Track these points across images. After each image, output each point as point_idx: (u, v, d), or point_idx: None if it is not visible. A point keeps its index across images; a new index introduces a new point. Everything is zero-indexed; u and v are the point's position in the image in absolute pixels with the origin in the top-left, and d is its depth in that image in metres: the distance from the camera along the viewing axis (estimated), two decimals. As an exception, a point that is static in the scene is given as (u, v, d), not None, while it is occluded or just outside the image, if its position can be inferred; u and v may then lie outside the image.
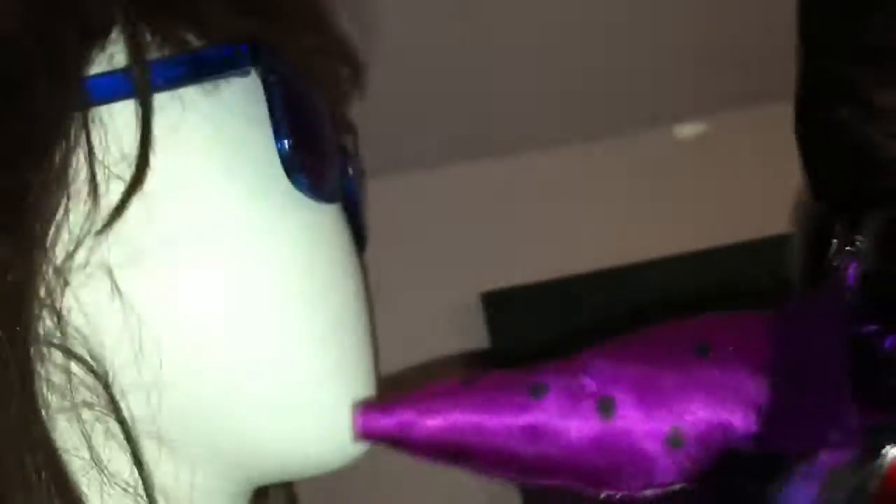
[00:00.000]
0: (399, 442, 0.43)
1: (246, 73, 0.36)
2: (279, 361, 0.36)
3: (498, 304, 1.64)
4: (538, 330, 1.42)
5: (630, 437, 0.42)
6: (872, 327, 0.39)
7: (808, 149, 0.44)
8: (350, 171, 0.42)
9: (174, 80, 0.34)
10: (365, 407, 0.43)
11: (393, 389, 0.44)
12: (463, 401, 0.43)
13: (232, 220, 0.35)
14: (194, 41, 0.35)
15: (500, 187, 1.74)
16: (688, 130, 1.73)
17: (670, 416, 0.42)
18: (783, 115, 1.57)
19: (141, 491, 0.33)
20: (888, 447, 0.38)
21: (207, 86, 0.35)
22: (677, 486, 0.42)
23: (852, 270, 0.41)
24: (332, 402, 0.38)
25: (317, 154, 0.37)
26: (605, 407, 0.42)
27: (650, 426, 0.42)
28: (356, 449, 0.40)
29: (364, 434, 0.43)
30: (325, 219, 0.38)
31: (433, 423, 0.42)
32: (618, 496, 0.43)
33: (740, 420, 0.41)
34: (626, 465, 0.42)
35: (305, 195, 0.36)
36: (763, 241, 1.57)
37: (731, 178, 1.69)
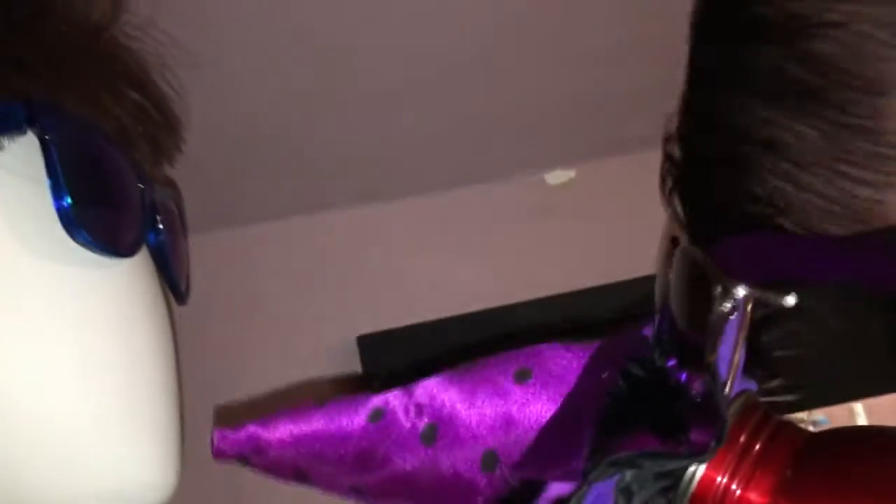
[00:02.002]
0: (249, 457, 0.45)
1: (22, 132, 0.35)
2: (53, 417, 0.35)
3: (372, 346, 1.65)
4: (411, 369, 1.43)
5: (450, 460, 0.44)
6: (672, 362, 0.42)
7: (682, 170, 0.46)
8: (161, 226, 0.41)
9: None
10: (219, 427, 0.45)
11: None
12: (306, 417, 0.45)
13: (7, 276, 0.35)
14: None
15: (377, 232, 1.75)
16: (558, 177, 1.76)
17: (486, 439, 0.43)
18: (647, 162, 1.60)
19: None
20: (692, 468, 0.40)
21: None
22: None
23: (666, 306, 0.43)
24: (115, 456, 0.37)
25: (105, 209, 0.37)
26: (430, 431, 0.44)
27: (469, 449, 0.44)
28: (155, 496, 0.38)
29: (219, 452, 0.45)
30: (120, 271, 0.38)
31: (279, 435, 0.44)
32: None
33: None
34: (449, 488, 0.44)
35: (90, 250, 0.36)
36: (627, 282, 1.62)
37: (597, 223, 1.73)
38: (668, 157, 0.46)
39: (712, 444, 0.39)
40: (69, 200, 0.35)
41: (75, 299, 0.36)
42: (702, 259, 0.39)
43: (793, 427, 0.42)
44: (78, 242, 0.35)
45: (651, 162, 1.73)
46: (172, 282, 0.42)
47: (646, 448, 0.39)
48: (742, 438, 0.40)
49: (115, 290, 0.38)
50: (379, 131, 1.51)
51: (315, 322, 1.67)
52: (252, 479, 1.54)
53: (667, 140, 0.46)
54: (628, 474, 0.40)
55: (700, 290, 0.38)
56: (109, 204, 0.38)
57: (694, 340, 0.40)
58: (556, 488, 0.40)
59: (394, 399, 0.46)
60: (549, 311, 1.64)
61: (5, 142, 0.35)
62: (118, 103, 0.40)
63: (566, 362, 0.44)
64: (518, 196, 1.76)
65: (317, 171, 1.61)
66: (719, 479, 0.40)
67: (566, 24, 1.33)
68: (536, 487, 0.41)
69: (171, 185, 0.45)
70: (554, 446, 0.41)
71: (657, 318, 0.43)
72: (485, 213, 1.76)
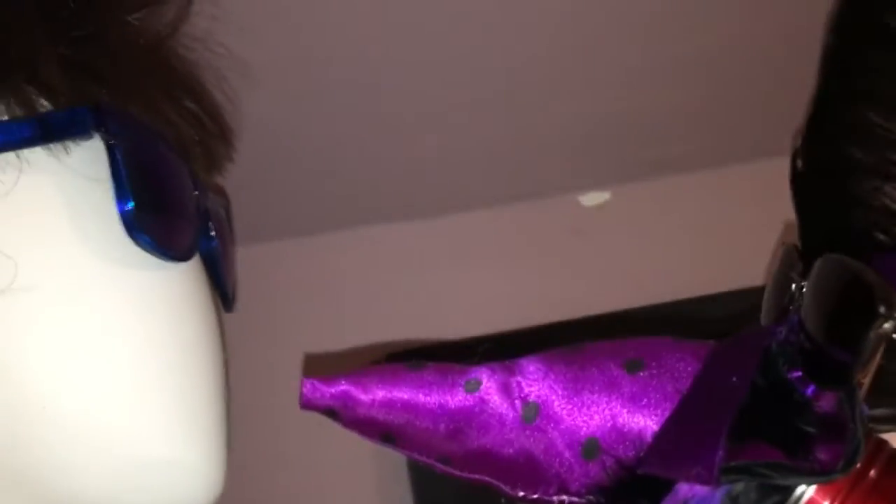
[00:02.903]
0: (338, 413, 0.44)
1: (90, 136, 0.36)
2: (107, 421, 0.36)
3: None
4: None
5: (549, 441, 0.43)
6: (798, 373, 0.40)
7: (803, 189, 0.44)
8: (213, 233, 0.42)
9: (15, 142, 0.35)
10: (310, 378, 0.44)
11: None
12: (402, 382, 0.44)
13: (70, 277, 0.35)
14: (45, 105, 0.36)
15: (411, 249, 1.74)
16: (592, 198, 1.76)
17: (589, 426, 0.42)
18: (682, 185, 1.59)
19: None
20: (801, 487, 0.39)
21: (55, 147, 0.36)
22: (589, 497, 0.42)
23: (793, 315, 0.41)
24: (168, 459, 0.38)
25: (164, 214, 0.38)
26: (530, 409, 0.43)
27: (569, 433, 0.42)
28: (205, 496, 0.39)
29: (307, 403, 0.44)
30: (175, 276, 0.39)
31: (372, 397, 0.43)
32: (532, 497, 0.43)
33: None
34: (543, 468, 0.43)
35: (150, 253, 0.37)
36: (658, 305, 1.61)
37: (631, 245, 1.72)
38: (795, 169, 0.45)
39: (840, 465, 0.37)
40: (132, 204, 0.36)
41: (132, 300, 0.37)
42: (864, 273, 0.37)
43: None
44: (138, 245, 0.36)
45: (686, 185, 1.72)
46: (222, 288, 0.43)
47: (769, 459, 0.38)
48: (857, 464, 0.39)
49: (170, 292, 0.38)
50: (416, 150, 1.52)
51: (347, 336, 1.66)
52: (288, 479, 1.51)
53: (795, 154, 0.45)
54: (739, 485, 0.39)
55: (850, 304, 0.37)
56: (168, 209, 0.39)
57: (833, 355, 0.38)
58: (685, 490, 0.39)
59: (493, 373, 0.45)
60: (579, 333, 1.63)
61: (72, 145, 0.36)
62: (176, 111, 0.41)
63: (679, 358, 0.43)
64: (552, 217, 1.75)
65: (355, 187, 1.61)
66: (826, 502, 0.39)
67: (602, 46, 1.32)
68: (649, 485, 0.40)
69: (221, 193, 0.46)
70: (685, 447, 0.39)
71: (783, 327, 0.42)
72: (518, 234, 1.74)
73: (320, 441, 1.62)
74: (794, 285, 0.44)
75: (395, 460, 1.61)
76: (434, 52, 1.27)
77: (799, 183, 0.44)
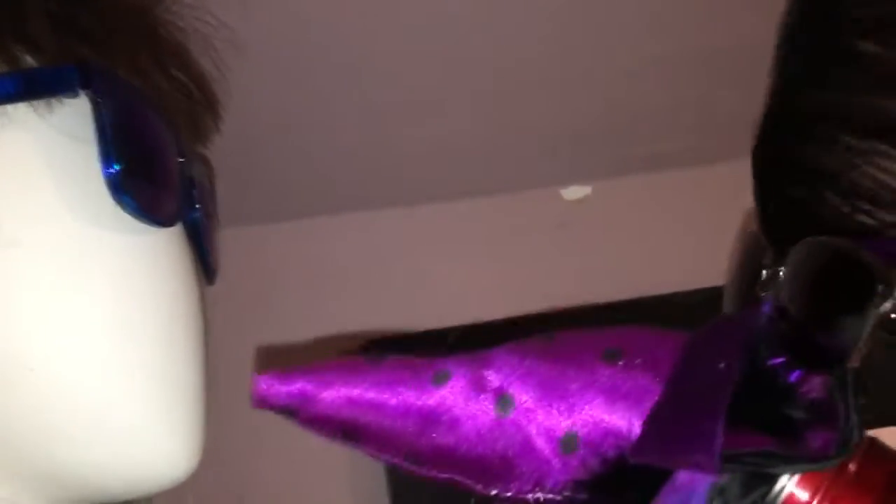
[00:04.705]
0: (295, 412, 0.41)
1: (75, 95, 0.35)
2: (86, 383, 0.35)
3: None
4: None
5: (524, 435, 0.40)
6: (780, 359, 0.38)
7: (762, 177, 0.43)
8: (197, 203, 0.41)
9: (1, 97, 0.34)
10: (265, 374, 0.41)
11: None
12: (364, 377, 0.41)
13: (51, 236, 0.34)
14: (30, 62, 0.35)
15: (392, 237, 1.74)
16: (574, 192, 1.76)
17: (567, 419, 0.40)
18: (662, 181, 1.59)
19: None
20: (784, 478, 0.37)
21: (39, 105, 0.35)
22: (566, 493, 0.40)
23: (770, 301, 0.40)
24: (145, 426, 0.37)
25: (149, 178, 0.37)
26: (503, 402, 0.40)
27: (546, 427, 0.40)
28: (180, 467, 0.38)
29: (261, 401, 0.41)
30: (157, 241, 0.38)
31: (331, 395, 0.41)
32: (506, 495, 0.40)
33: (636, 429, 0.39)
34: (518, 464, 0.40)
35: (132, 216, 0.36)
36: (637, 299, 1.60)
37: (611, 239, 1.72)
38: (757, 155, 0.44)
39: (833, 450, 0.35)
40: (117, 166, 0.35)
41: (114, 262, 0.36)
42: (858, 253, 0.35)
43: (887, 449, 0.39)
44: (122, 208, 0.35)
45: (666, 181, 1.72)
46: (205, 258, 0.42)
47: (761, 447, 0.36)
48: None
49: (153, 257, 0.37)
50: (401, 138, 1.51)
51: (328, 323, 1.64)
52: (262, 475, 1.49)
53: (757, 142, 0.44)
54: (724, 476, 0.38)
55: (843, 285, 0.35)
56: (153, 173, 0.38)
57: (823, 339, 0.36)
58: (684, 478, 0.37)
59: (461, 365, 0.42)
60: (559, 324, 1.61)
61: (57, 104, 0.35)
62: (164, 77, 0.40)
63: (657, 346, 0.41)
64: (534, 209, 1.75)
65: (338, 172, 1.60)
66: (807, 496, 0.37)
67: (586, 43, 1.32)
68: (636, 475, 0.38)
69: (206, 162, 0.44)
70: (682, 435, 0.37)
71: (763, 313, 0.40)
72: (500, 225, 1.74)
73: (294, 436, 1.61)
74: (765, 271, 0.42)
75: (370, 460, 1.59)
76: (425, 43, 1.26)
77: (761, 169, 0.43)
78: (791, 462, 0.36)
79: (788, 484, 0.37)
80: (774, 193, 0.42)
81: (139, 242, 0.37)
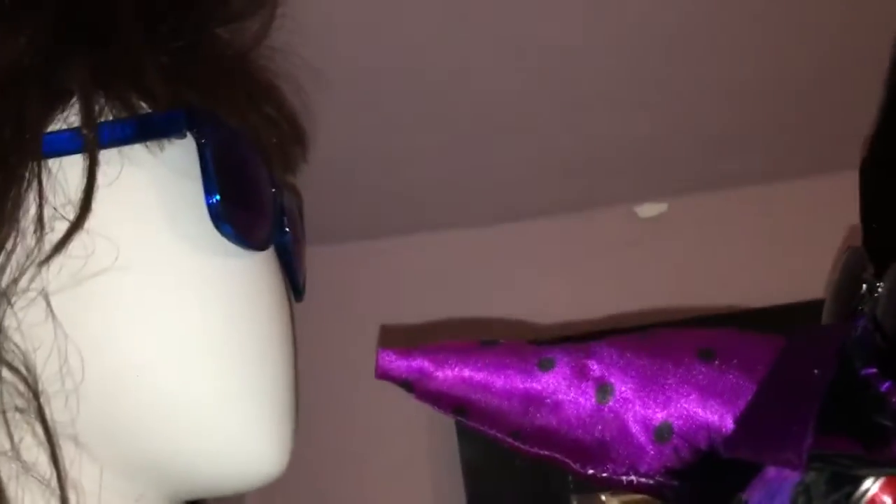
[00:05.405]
0: (412, 386, 0.44)
1: (183, 136, 0.39)
2: (188, 388, 0.38)
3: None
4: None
5: (621, 422, 0.42)
6: (872, 370, 0.40)
7: (868, 195, 0.44)
8: (287, 228, 0.45)
9: (119, 140, 0.38)
10: (386, 349, 0.45)
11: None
12: (476, 359, 0.44)
13: (161, 259, 0.38)
14: (144, 108, 0.39)
15: (472, 254, 1.79)
16: (649, 210, 1.76)
17: (662, 410, 0.42)
18: (736, 199, 1.59)
19: (55, 484, 0.36)
20: (868, 481, 0.39)
21: (151, 145, 0.39)
22: (658, 478, 0.42)
23: (867, 314, 0.41)
24: (239, 428, 0.40)
25: (246, 208, 0.41)
26: (604, 391, 0.43)
27: (642, 416, 0.42)
28: (270, 469, 0.41)
29: (383, 374, 0.45)
30: (252, 264, 0.41)
31: (446, 373, 0.44)
32: (602, 476, 0.43)
33: (728, 424, 0.41)
34: (614, 449, 0.43)
35: (231, 242, 0.39)
36: (711, 316, 1.60)
37: (685, 257, 1.72)
38: (864, 173, 0.45)
39: None
40: (217, 197, 0.38)
41: (216, 283, 0.39)
42: None
43: None
44: (222, 234, 0.39)
45: (740, 199, 1.72)
46: (293, 276, 0.46)
47: (849, 451, 0.38)
48: None
49: (249, 278, 0.41)
50: (481, 161, 1.53)
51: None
52: (345, 473, 1.52)
53: (864, 157, 0.45)
54: (810, 475, 0.39)
55: None
56: (249, 203, 0.41)
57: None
58: (773, 473, 0.39)
59: (567, 353, 0.45)
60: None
61: (167, 143, 0.39)
62: (258, 116, 0.44)
63: (750, 349, 0.43)
64: (609, 227, 1.75)
65: (421, 194, 1.65)
66: (891, 500, 0.39)
67: (664, 62, 1.33)
68: (728, 468, 0.40)
69: (296, 192, 0.48)
70: (774, 433, 0.39)
71: (858, 324, 0.42)
72: (575, 243, 1.76)
73: (377, 436, 1.65)
74: (864, 286, 0.44)
75: (449, 459, 1.63)
76: (500, 64, 1.29)
77: (868, 183, 0.44)
78: (876, 466, 0.38)
79: (873, 487, 0.38)
80: (879, 212, 0.43)
81: (236, 264, 0.40)
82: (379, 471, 1.67)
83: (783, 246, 1.67)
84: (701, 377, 0.42)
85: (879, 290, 0.41)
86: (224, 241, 0.39)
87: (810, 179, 1.64)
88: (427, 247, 1.77)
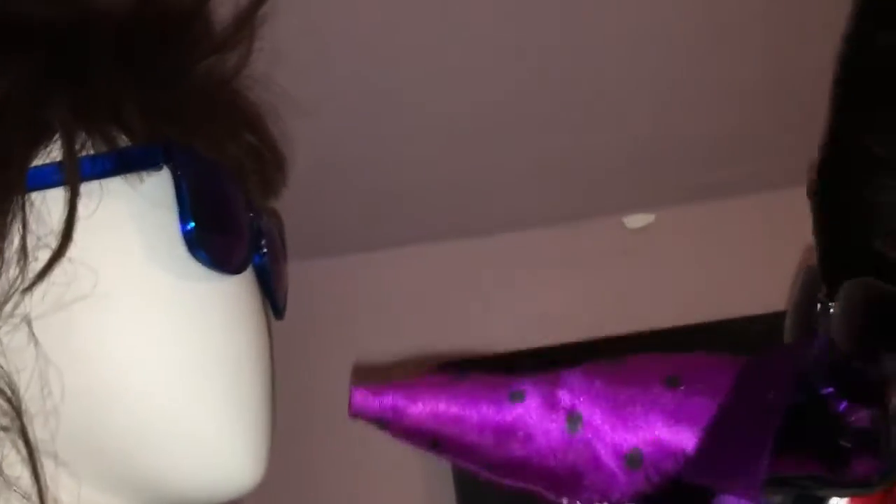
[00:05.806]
0: (386, 423, 0.45)
1: (159, 169, 0.41)
2: (165, 409, 0.40)
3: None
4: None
5: (592, 450, 0.43)
6: (830, 389, 0.41)
7: (819, 215, 0.45)
8: (265, 250, 0.46)
9: (99, 173, 0.40)
10: (359, 387, 0.45)
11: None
12: (448, 394, 0.45)
13: (140, 286, 0.40)
14: (125, 141, 0.41)
15: (459, 266, 1.79)
16: (636, 220, 1.76)
17: (632, 437, 0.43)
18: (724, 209, 1.58)
19: (35, 499, 0.37)
20: (833, 500, 0.40)
21: (131, 177, 0.40)
22: (630, 505, 0.43)
23: (822, 334, 0.42)
24: (215, 445, 0.41)
25: (221, 233, 0.42)
26: (573, 420, 0.44)
27: (612, 443, 0.43)
28: (245, 481, 0.42)
29: (356, 412, 0.46)
30: (229, 286, 0.42)
31: (418, 409, 0.45)
32: None
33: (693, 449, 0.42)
34: (587, 477, 0.43)
35: (207, 267, 0.41)
36: (697, 325, 1.60)
37: (672, 267, 1.72)
38: (813, 192, 0.46)
39: (876, 478, 0.38)
40: (192, 225, 0.40)
41: (192, 307, 0.41)
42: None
43: None
44: (197, 260, 0.40)
45: (728, 209, 1.70)
46: (272, 297, 0.47)
47: (809, 472, 0.39)
48: None
49: (225, 301, 0.42)
50: (466, 173, 1.54)
51: (405, 347, 1.70)
52: (335, 483, 1.51)
53: (812, 180, 0.46)
54: (777, 497, 0.40)
55: (881, 325, 0.38)
56: (224, 229, 0.43)
57: (865, 373, 0.39)
58: (731, 501, 0.40)
59: (536, 384, 0.46)
60: (621, 350, 1.62)
61: (145, 175, 0.40)
62: (237, 144, 0.46)
63: (716, 374, 0.44)
64: (597, 237, 1.76)
65: (406, 208, 1.66)
66: None
67: (651, 74, 1.34)
68: (691, 493, 0.41)
69: (275, 215, 0.50)
70: (730, 460, 0.40)
71: (814, 346, 0.43)
72: (563, 253, 1.76)
73: (366, 446, 1.64)
74: (819, 305, 0.45)
75: (440, 466, 1.63)
76: (482, 75, 1.29)
77: (818, 207, 0.46)
78: (838, 486, 0.39)
79: (841, 503, 0.40)
80: (830, 231, 0.45)
81: (213, 287, 0.42)
82: (371, 478, 1.67)
83: (770, 256, 1.67)
84: (668, 405, 0.43)
85: (832, 310, 0.42)
86: (200, 266, 0.41)
87: (798, 189, 1.63)
88: (413, 258, 1.78)
